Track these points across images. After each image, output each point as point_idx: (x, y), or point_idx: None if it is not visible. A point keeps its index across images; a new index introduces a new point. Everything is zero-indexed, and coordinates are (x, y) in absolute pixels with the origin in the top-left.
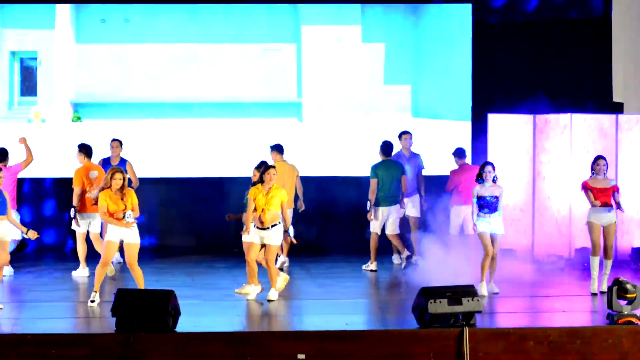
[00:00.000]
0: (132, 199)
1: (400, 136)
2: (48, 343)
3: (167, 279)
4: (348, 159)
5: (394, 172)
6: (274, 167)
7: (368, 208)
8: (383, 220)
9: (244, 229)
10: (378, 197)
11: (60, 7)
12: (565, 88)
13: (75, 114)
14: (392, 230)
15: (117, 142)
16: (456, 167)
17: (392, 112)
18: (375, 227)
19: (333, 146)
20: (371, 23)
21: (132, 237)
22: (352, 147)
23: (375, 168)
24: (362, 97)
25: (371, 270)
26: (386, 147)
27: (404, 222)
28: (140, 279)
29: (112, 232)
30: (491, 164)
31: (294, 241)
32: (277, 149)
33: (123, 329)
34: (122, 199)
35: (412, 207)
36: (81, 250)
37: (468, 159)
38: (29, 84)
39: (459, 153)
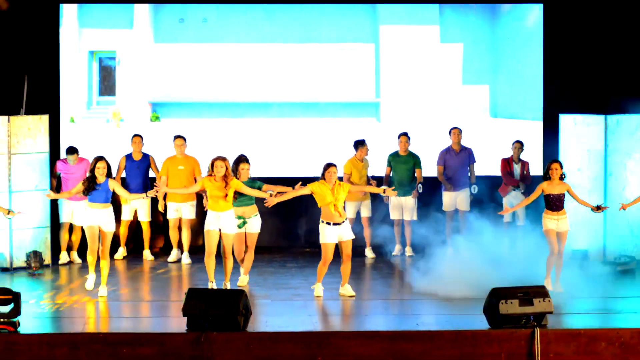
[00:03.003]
0: (231, 190)
1: (450, 131)
2: (119, 342)
3: (238, 278)
4: (426, 159)
5: (406, 163)
6: (334, 165)
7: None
8: (398, 207)
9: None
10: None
11: (139, 7)
12: (637, 88)
13: (154, 114)
14: (409, 217)
15: (138, 138)
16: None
17: (470, 113)
18: (392, 215)
19: (411, 146)
20: (449, 23)
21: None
22: (430, 148)
23: (389, 157)
24: (440, 98)
25: (394, 255)
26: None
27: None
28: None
29: (211, 221)
30: (558, 161)
31: None
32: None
33: (194, 328)
34: (225, 187)
35: (461, 201)
36: (173, 235)
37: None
38: (107, 83)
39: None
